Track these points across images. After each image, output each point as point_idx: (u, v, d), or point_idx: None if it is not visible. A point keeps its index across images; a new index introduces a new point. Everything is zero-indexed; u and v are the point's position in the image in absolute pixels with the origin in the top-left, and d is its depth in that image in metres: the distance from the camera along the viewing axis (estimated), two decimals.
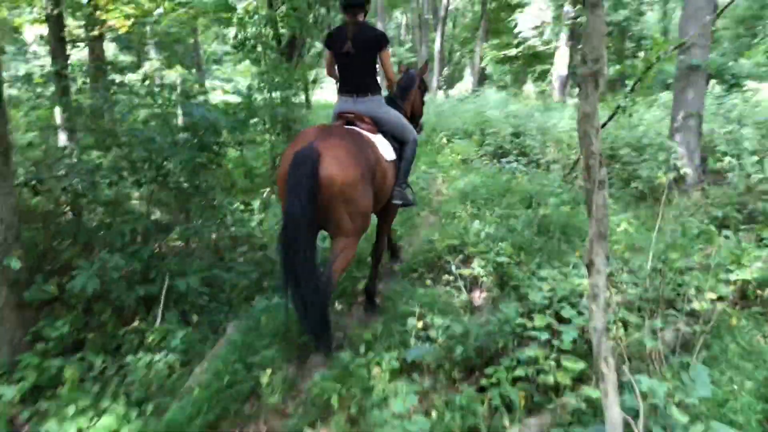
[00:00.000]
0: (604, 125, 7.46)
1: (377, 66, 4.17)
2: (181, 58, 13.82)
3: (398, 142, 4.27)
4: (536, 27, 19.51)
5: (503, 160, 8.43)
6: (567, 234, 5.53)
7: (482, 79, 21.44)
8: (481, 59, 20.72)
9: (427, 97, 5.64)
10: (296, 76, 8.09)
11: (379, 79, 4.30)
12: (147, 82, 4.27)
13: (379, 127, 4.13)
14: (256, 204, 6.34)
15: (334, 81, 4.40)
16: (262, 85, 7.40)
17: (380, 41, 4.04)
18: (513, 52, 18.67)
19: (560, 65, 19.11)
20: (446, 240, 5.16)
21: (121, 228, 4.09)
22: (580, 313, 3.34)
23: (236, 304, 4.62)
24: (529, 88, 22.05)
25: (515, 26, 19.73)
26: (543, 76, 22.40)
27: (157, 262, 4.21)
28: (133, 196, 4.77)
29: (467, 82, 28.83)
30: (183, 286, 4.17)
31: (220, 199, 5.07)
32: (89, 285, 3.64)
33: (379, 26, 17.41)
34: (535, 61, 22.51)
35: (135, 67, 10.70)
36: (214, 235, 5.19)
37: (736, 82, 9.70)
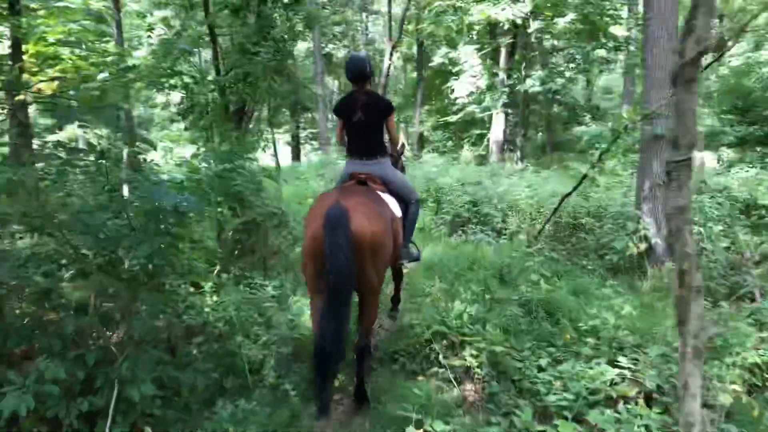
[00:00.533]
0: (568, 195, 7.33)
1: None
2: (108, 122, 13.11)
3: (403, 202, 4.56)
4: (471, 93, 19.85)
5: (467, 229, 8.16)
6: (550, 312, 5.21)
7: (421, 144, 21.55)
8: (420, 124, 20.90)
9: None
10: (251, 143, 7.62)
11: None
12: (92, 156, 3.66)
13: (387, 186, 4.46)
14: (207, 285, 5.71)
15: (342, 145, 4.86)
16: (207, 155, 6.89)
17: (388, 110, 4.56)
18: (453, 118, 18.86)
19: (496, 130, 19.48)
20: (431, 326, 4.70)
21: (62, 327, 3.42)
22: (617, 420, 2.93)
23: (196, 411, 3.96)
24: (466, 152, 22.40)
25: (452, 92, 20.04)
26: (479, 140, 22.84)
27: (104, 366, 3.53)
28: (73, 286, 4.10)
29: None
30: (135, 395, 3.50)
31: (174, 284, 4.44)
32: (22, 406, 2.94)
33: (319, 90, 17.36)
34: (470, 126, 23.00)
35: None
36: (165, 325, 4.53)
37: None
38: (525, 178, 12.34)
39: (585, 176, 6.89)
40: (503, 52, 19.14)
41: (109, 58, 6.22)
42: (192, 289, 5.44)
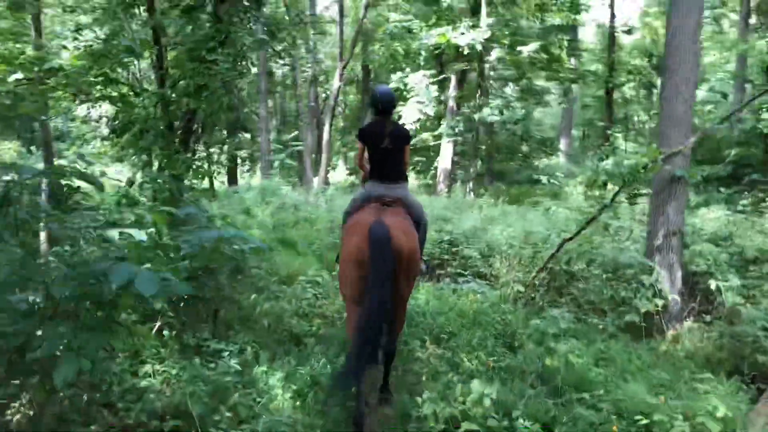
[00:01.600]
0: (570, 239, 6.50)
1: None
2: (20, 132, 11.44)
3: (416, 222, 4.67)
4: (418, 120, 19.10)
5: (446, 273, 7.20)
6: (580, 390, 4.28)
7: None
8: None
9: None
10: (201, 170, 6.41)
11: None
12: None
13: (407, 209, 4.64)
14: (148, 351, 4.44)
15: (362, 170, 5.12)
16: (148, 180, 5.67)
17: (408, 138, 4.93)
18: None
19: (445, 159, 18.83)
20: (449, 417, 3.65)
21: None
22: None
23: None
24: (412, 180, 21.64)
25: (399, 118, 19.21)
26: (425, 168, 22.13)
27: None
28: None
29: (341, 172, 28.07)
30: None
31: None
32: None
33: (261, 112, 16.12)
34: (413, 153, 22.33)
35: None
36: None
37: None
38: (488, 212, 11.58)
39: (594, 218, 6.08)
40: (453, 79, 18.59)
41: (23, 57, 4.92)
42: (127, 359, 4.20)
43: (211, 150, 7.92)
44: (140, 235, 2.33)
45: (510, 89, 24.69)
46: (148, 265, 2.38)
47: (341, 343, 5.27)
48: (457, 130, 14.57)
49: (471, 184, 15.97)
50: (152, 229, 3.05)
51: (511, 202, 15.31)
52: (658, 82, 23.98)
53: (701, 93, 24.61)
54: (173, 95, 6.46)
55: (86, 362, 2.13)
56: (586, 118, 35.53)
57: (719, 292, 5.81)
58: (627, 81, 14.16)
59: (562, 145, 27.39)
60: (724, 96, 23.90)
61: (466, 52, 14.43)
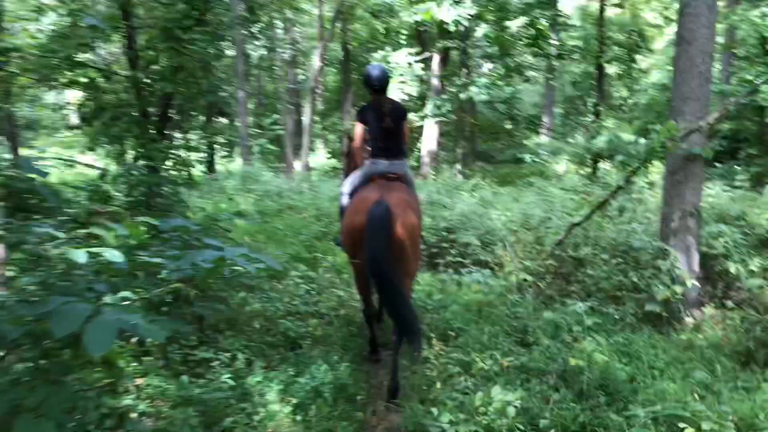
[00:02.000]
0: (579, 224, 6.12)
1: None
2: None
3: None
4: (401, 101, 18.63)
5: (447, 263, 6.79)
6: (608, 392, 3.92)
7: None
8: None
9: None
10: (180, 160, 5.90)
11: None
12: None
13: (407, 185, 4.92)
14: (126, 366, 3.98)
15: (361, 150, 5.03)
16: (122, 173, 5.16)
17: (407, 113, 5.05)
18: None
19: (430, 140, 18.38)
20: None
21: None
22: None
23: None
24: None
25: None
26: (410, 151, 21.68)
27: None
28: None
29: (320, 155, 27.49)
30: None
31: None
32: None
33: (239, 96, 15.49)
34: None
35: None
36: None
37: None
38: (481, 195, 11.18)
39: (606, 201, 5.70)
40: (436, 58, 18.08)
41: None
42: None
43: (190, 137, 7.38)
44: (114, 255, 1.85)
45: (491, 67, 24.30)
46: (122, 294, 1.91)
47: (342, 344, 4.86)
48: (444, 110, 14.12)
49: (459, 166, 15.54)
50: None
51: (500, 183, 14.94)
52: (638, 58, 23.79)
53: None
54: (146, 78, 5.93)
55: (49, 426, 1.66)
56: (567, 95, 35.40)
57: (738, 275, 5.48)
58: (617, 57, 13.79)
59: (545, 123, 27.11)
60: None
61: (452, 29, 13.93)
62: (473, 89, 13.75)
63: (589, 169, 13.10)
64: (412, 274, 4.55)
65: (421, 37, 21.36)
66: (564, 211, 8.27)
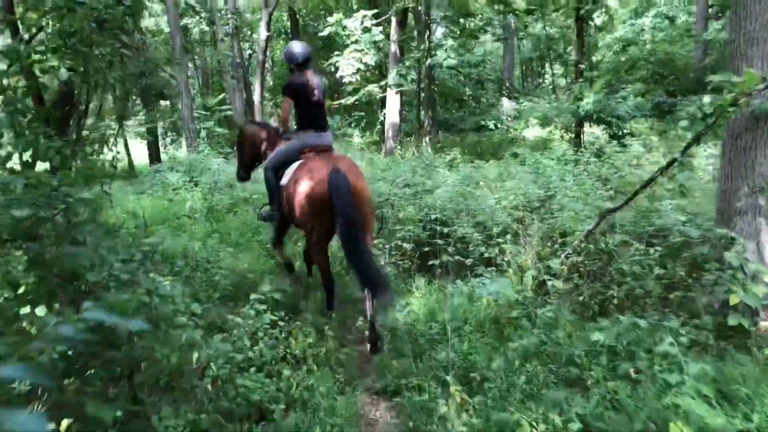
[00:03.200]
0: (615, 209, 4.87)
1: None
2: None
3: None
4: (357, 71, 17.07)
5: (443, 265, 5.46)
6: None
7: None
8: None
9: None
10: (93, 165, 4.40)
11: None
12: None
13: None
14: None
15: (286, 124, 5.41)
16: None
17: (328, 88, 5.80)
18: (350, 100, 16.00)
19: (392, 112, 16.98)
20: None
21: None
22: None
23: None
24: (356, 140, 19.71)
25: (336, 70, 17.01)
26: (370, 126, 20.22)
27: None
28: None
29: None
30: None
31: None
32: None
33: (179, 75, 13.73)
34: (354, 108, 20.34)
35: None
36: None
37: None
38: (460, 171, 9.89)
39: (653, 179, 4.45)
40: (394, 21, 16.60)
41: None
42: None
43: (108, 128, 5.85)
44: None
45: (444, 30, 22.88)
46: None
47: (329, 406, 3.52)
48: (410, 78, 12.73)
49: (427, 139, 14.21)
50: None
51: (475, 156, 13.68)
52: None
53: (647, 20, 23.56)
54: (34, 54, 4.37)
55: None
56: (524, 56, 34.24)
57: None
58: (600, 7, 12.56)
59: (506, 86, 25.93)
60: (671, 20, 22.86)
61: None
62: (440, 54, 12.36)
63: (572, 135, 11.95)
64: (371, 232, 4.84)
65: (374, 1, 19.81)
66: (566, 187, 7.05)
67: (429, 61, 13.39)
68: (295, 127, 5.28)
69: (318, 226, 4.54)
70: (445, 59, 12.24)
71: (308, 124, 5.15)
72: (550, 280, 4.61)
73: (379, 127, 18.74)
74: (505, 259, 5.29)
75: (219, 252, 6.23)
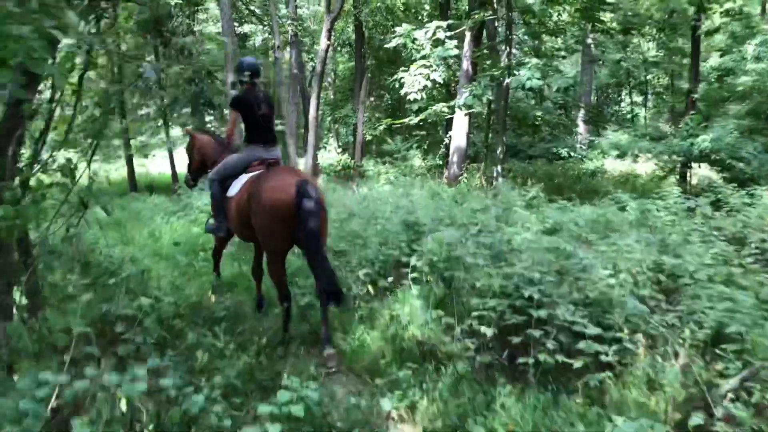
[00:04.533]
0: None
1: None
2: None
3: None
4: (424, 88, 15.48)
5: (535, 360, 3.78)
6: None
7: (362, 153, 17.11)
8: (368, 128, 16.49)
9: None
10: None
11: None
12: None
13: None
14: None
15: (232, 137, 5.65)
16: None
17: (274, 104, 5.80)
18: (414, 120, 14.50)
19: (458, 135, 15.39)
20: None
21: None
22: None
23: None
24: (417, 162, 18.15)
25: (400, 87, 15.42)
26: (433, 148, 18.64)
27: None
28: None
29: (332, 152, 24.58)
30: None
31: None
32: None
33: (230, 79, 12.53)
34: (417, 128, 18.85)
35: None
36: None
37: None
38: (543, 212, 8.17)
39: None
40: (468, 35, 15.05)
41: None
42: None
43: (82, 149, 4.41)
44: None
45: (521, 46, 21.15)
46: None
47: None
48: (485, 98, 11.12)
49: (499, 168, 12.49)
50: None
51: (547, 186, 11.88)
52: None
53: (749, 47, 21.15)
54: None
55: None
56: (603, 81, 32.02)
57: None
58: (724, 25, 10.59)
59: (581, 112, 23.96)
60: None
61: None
62: (524, 73, 10.70)
63: (677, 176, 10.03)
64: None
65: (446, 12, 18.35)
66: (697, 254, 5.23)
67: (508, 80, 11.71)
68: (243, 140, 5.38)
69: (281, 234, 4.63)
70: (528, 79, 10.58)
71: (256, 137, 5.25)
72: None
73: (442, 150, 17.15)
74: (636, 369, 3.57)
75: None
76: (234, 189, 5.10)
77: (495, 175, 12.83)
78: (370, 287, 5.56)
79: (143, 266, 4.90)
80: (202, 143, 6.02)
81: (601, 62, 18.98)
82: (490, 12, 13.20)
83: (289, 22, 14.20)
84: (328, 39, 12.55)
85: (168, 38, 13.39)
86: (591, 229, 7.18)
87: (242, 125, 5.37)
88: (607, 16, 13.34)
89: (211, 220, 5.68)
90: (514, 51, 20.96)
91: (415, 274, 5.45)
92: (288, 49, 15.47)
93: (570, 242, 6.03)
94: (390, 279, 5.62)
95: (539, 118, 19.25)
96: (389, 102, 21.22)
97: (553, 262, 5.00)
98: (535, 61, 11.20)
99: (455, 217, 7.67)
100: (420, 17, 18.37)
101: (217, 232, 5.55)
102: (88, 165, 3.54)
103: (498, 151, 12.79)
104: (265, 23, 17.92)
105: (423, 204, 8.75)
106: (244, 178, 5.06)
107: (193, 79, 13.71)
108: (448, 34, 12.05)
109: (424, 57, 13.89)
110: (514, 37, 15.50)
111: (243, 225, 4.96)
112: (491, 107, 16.55)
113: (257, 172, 5.01)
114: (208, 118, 15.32)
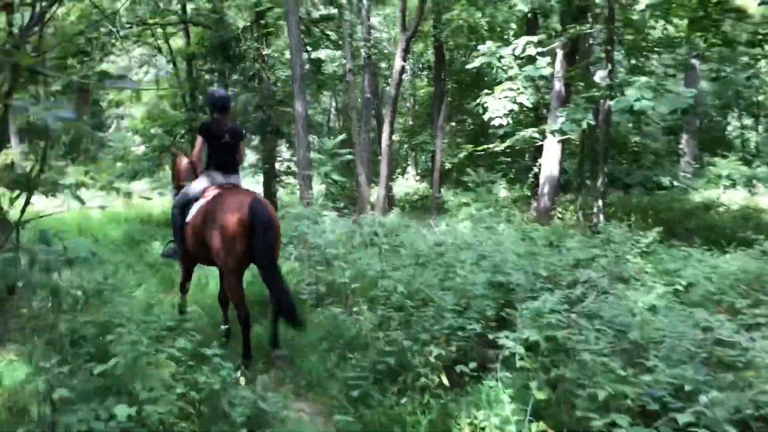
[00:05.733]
0: None
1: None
2: None
3: None
4: (510, 113, 13.87)
5: None
6: None
7: (440, 181, 15.74)
8: (447, 155, 15.13)
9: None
10: None
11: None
12: None
13: None
14: None
15: (197, 163, 5.72)
16: None
17: (242, 134, 5.81)
18: (500, 146, 13.05)
19: (550, 163, 13.74)
20: None
21: None
22: None
23: None
24: (502, 192, 16.53)
25: (483, 112, 13.86)
26: (521, 176, 16.99)
27: None
28: None
29: (409, 180, 23.34)
30: None
31: None
32: None
33: (299, 107, 11.54)
34: (503, 155, 17.29)
35: None
36: None
37: None
38: (666, 265, 6.50)
39: None
40: (560, 54, 13.47)
41: None
42: None
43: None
44: None
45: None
46: None
47: None
48: (585, 122, 9.53)
49: (600, 203, 10.77)
50: None
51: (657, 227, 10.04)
52: None
53: None
54: None
55: None
56: (711, 102, 29.19)
57: None
58: None
59: (683, 139, 21.62)
60: None
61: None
62: (630, 93, 9.05)
63: None
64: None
65: (534, 30, 16.77)
66: None
67: (611, 103, 10.06)
68: (204, 165, 5.61)
69: (237, 253, 4.85)
70: (636, 100, 8.92)
71: (215, 163, 5.49)
72: None
73: (530, 179, 15.50)
74: None
75: None
76: (191, 213, 5.30)
77: (595, 210, 11.09)
78: (443, 376, 4.16)
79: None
80: (179, 166, 6.29)
81: (714, 79, 16.84)
82: (588, 26, 11.58)
83: (362, 44, 13.19)
84: (404, 60, 11.36)
85: (235, 63, 12.62)
86: (733, 289, 5.50)
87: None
88: (727, 27, 11.44)
89: (171, 245, 5.93)
90: (601, 73, 19.18)
91: (507, 357, 3.98)
92: (361, 72, 14.47)
93: (709, 309, 4.41)
94: (472, 365, 4.16)
95: (639, 145, 17.27)
96: (470, 127, 19.82)
97: (703, 353, 3.41)
98: (644, 79, 9.48)
99: (555, 270, 6.16)
100: (506, 36, 16.96)
101: (175, 256, 5.80)
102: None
103: (599, 183, 11.06)
104: (340, 46, 17.06)
105: (511, 246, 7.29)
106: (201, 202, 5.26)
107: (261, 106, 12.85)
108: (541, 50, 10.58)
109: (510, 78, 12.44)
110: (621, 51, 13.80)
111: (200, 247, 5.18)
112: (585, 132, 14.80)
113: (212, 195, 5.22)
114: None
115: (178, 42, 15.11)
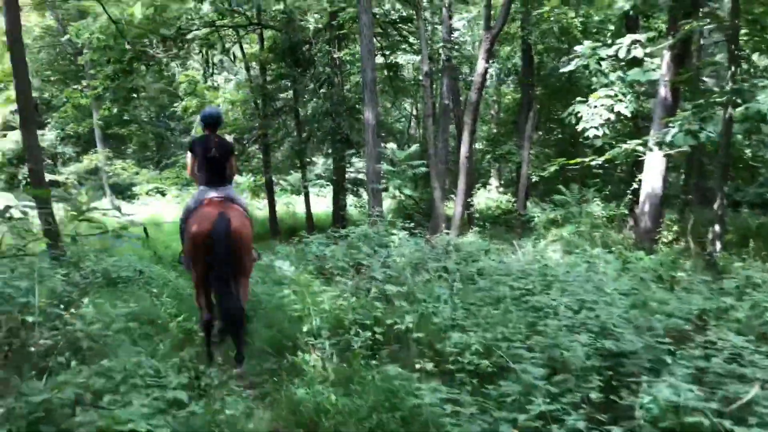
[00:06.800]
0: None
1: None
2: None
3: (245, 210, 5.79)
4: (607, 122, 12.24)
5: None
6: None
7: (526, 195, 14.32)
8: (534, 167, 13.73)
9: None
10: None
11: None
12: None
13: (235, 204, 5.62)
14: None
15: (194, 178, 5.93)
16: None
17: (232, 149, 6.04)
18: (598, 160, 11.55)
19: (652, 178, 12.03)
20: None
21: None
22: None
23: None
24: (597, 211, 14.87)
25: (576, 122, 12.27)
26: (616, 191, 15.27)
27: None
28: None
29: (491, 191, 21.91)
30: None
31: None
32: None
33: (368, 115, 10.53)
34: (598, 170, 15.63)
35: None
36: None
37: None
38: None
39: None
40: (666, 56, 11.77)
41: None
42: None
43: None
44: None
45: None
46: None
47: None
48: (704, 134, 7.98)
49: (717, 228, 9.09)
50: None
51: None
52: None
53: None
54: None
55: None
56: None
57: None
58: None
59: None
60: None
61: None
62: (762, 98, 7.44)
63: None
64: (248, 273, 5.52)
65: (635, 31, 15.03)
66: None
67: (732, 111, 8.43)
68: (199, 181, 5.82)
69: (200, 262, 5.08)
70: (764, 104, 7.29)
71: (205, 178, 5.68)
72: None
73: (629, 196, 13.80)
74: None
75: None
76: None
77: (711, 236, 9.41)
78: None
79: None
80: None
81: None
82: (707, 21, 9.92)
83: (441, 45, 12.06)
84: (487, 61, 10.14)
85: (305, 67, 11.77)
86: None
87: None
88: None
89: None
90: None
91: None
92: (440, 76, 13.33)
93: None
94: None
95: (758, 158, 15.19)
96: (560, 137, 18.24)
97: None
98: None
99: (675, 323, 4.78)
100: (602, 38, 15.34)
101: (183, 265, 5.98)
102: None
103: (715, 205, 9.38)
104: (419, 51, 15.98)
105: (613, 283, 5.94)
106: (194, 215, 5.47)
107: (330, 113, 11.94)
108: (651, 49, 9.09)
109: (607, 85, 10.96)
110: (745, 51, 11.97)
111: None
112: (728, 146, 12.93)
113: (200, 208, 5.40)
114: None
115: (253, 47, 14.55)
